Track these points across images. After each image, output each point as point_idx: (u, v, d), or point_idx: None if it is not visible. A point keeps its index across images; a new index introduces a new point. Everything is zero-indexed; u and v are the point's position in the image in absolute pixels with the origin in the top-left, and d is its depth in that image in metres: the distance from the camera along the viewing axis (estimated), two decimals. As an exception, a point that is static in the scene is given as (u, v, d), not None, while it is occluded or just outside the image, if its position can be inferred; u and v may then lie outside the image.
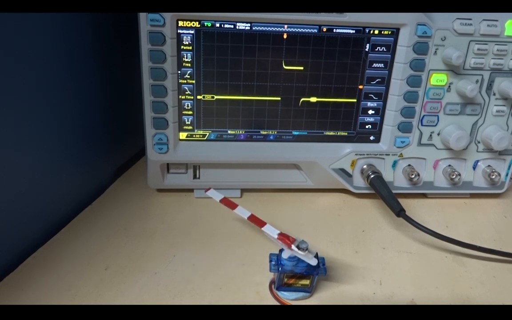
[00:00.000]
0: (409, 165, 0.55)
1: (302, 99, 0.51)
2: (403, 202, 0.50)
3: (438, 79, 0.50)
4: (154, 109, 0.48)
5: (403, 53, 0.48)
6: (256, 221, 0.42)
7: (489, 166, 0.55)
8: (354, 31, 0.48)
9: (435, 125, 0.52)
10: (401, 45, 0.48)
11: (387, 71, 0.50)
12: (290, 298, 0.40)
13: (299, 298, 0.40)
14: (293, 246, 0.37)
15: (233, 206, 0.44)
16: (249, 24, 0.47)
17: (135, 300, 0.39)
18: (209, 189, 0.47)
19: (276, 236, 0.39)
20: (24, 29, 0.39)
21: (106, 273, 0.42)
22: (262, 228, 0.41)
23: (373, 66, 0.50)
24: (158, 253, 0.45)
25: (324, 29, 0.48)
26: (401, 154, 0.54)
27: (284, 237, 0.38)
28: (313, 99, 0.51)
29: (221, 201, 0.45)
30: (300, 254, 0.37)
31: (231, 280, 0.42)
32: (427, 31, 0.47)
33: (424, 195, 0.57)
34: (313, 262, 0.37)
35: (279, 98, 0.51)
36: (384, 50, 0.49)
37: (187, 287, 0.41)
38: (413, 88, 0.50)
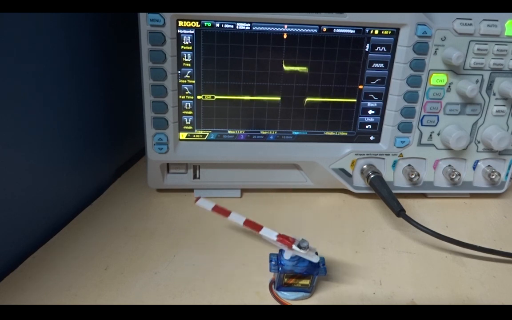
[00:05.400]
0: (409, 165, 0.55)
1: (302, 99, 0.51)
2: (403, 202, 0.50)
3: (438, 79, 0.50)
4: (154, 109, 0.48)
5: (403, 53, 0.48)
6: (252, 226, 0.40)
7: (489, 166, 0.55)
8: (354, 31, 0.48)
9: (435, 125, 0.52)
10: (401, 45, 0.48)
11: (387, 71, 0.50)
12: (290, 298, 0.39)
13: (299, 298, 0.40)
14: (294, 246, 0.37)
15: (226, 213, 0.42)
16: (249, 24, 0.47)
17: (135, 300, 0.39)
18: (198, 198, 0.44)
19: (275, 238, 0.39)
20: (24, 29, 0.39)
21: (106, 273, 0.42)
22: (260, 232, 0.39)
23: (373, 66, 0.50)
24: (158, 253, 0.45)
25: (324, 29, 0.48)
26: (401, 154, 0.54)
27: (284, 238, 0.38)
28: (313, 99, 0.51)
29: (213, 209, 0.43)
30: (302, 253, 0.37)
31: (231, 280, 0.42)
32: (427, 31, 0.47)
33: (424, 195, 0.57)
34: (315, 259, 0.37)
35: (279, 98, 0.51)
36: (384, 50, 0.49)
37: (187, 287, 0.41)
38: (413, 88, 0.50)
